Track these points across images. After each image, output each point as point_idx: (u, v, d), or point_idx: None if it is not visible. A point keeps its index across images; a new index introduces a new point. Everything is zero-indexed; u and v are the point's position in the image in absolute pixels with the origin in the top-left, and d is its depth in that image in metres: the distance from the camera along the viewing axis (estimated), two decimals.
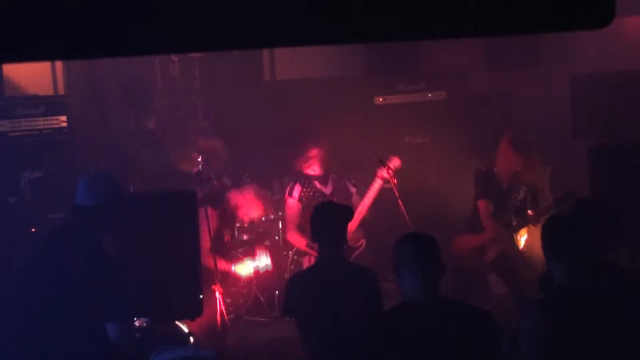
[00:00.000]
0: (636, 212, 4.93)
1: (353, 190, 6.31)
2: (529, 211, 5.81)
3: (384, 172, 6.09)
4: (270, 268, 6.66)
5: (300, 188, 6.15)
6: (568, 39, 6.74)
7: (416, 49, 8.06)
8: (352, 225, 6.20)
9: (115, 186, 3.92)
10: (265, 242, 7.27)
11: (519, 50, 7.82)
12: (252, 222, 7.30)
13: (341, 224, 4.33)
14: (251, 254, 6.68)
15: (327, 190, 6.17)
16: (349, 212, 4.54)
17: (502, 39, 7.43)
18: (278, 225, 7.19)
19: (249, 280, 6.80)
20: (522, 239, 5.93)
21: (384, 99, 7.95)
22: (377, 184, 6.14)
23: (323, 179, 6.18)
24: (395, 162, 6.17)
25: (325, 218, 4.32)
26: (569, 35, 6.17)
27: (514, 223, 5.82)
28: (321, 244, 4.31)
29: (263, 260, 6.59)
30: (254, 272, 6.56)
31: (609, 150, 5.86)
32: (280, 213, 7.21)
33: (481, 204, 6.00)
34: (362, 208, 6.22)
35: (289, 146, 7.14)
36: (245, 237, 7.28)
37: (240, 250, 7.12)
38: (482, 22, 1.83)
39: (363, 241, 6.18)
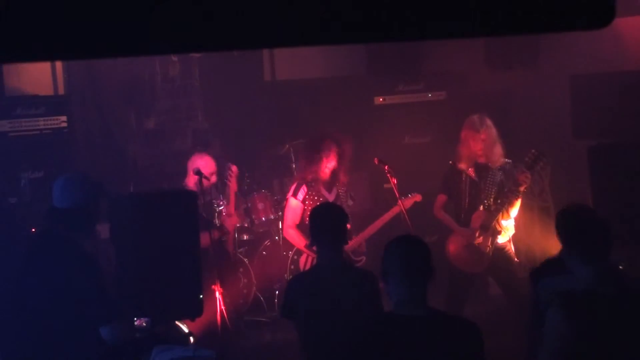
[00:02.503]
0: (636, 212, 4.92)
1: (350, 203, 6.32)
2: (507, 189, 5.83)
3: (406, 203, 6.13)
4: None
5: (306, 190, 6.04)
6: (568, 39, 6.74)
7: (416, 49, 8.07)
8: (357, 240, 6.20)
9: (92, 188, 3.90)
10: (266, 242, 7.29)
11: (518, 50, 7.82)
12: (252, 222, 7.32)
13: (340, 225, 4.31)
14: None
15: (331, 197, 6.12)
16: (346, 214, 4.53)
17: (502, 39, 7.43)
18: (278, 225, 7.19)
19: (249, 281, 6.81)
20: (509, 232, 5.93)
21: (384, 99, 7.96)
22: (395, 210, 6.15)
23: (329, 186, 6.11)
24: (416, 198, 6.32)
25: (324, 220, 4.30)
26: (569, 35, 6.17)
27: (493, 207, 5.83)
28: (320, 246, 4.28)
29: None
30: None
31: (609, 150, 5.86)
32: (280, 213, 7.21)
33: (438, 198, 6.12)
34: (373, 227, 6.22)
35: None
36: (245, 237, 7.30)
37: (241, 250, 7.14)
38: (481, 22, 1.82)
39: (364, 257, 6.17)
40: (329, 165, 5.95)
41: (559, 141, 7.32)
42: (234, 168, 6.25)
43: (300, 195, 6.02)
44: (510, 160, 5.97)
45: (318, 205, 5.11)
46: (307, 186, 6.03)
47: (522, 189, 5.76)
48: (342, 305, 4.02)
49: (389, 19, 1.76)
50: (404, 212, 6.01)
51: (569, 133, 7.24)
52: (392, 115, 7.90)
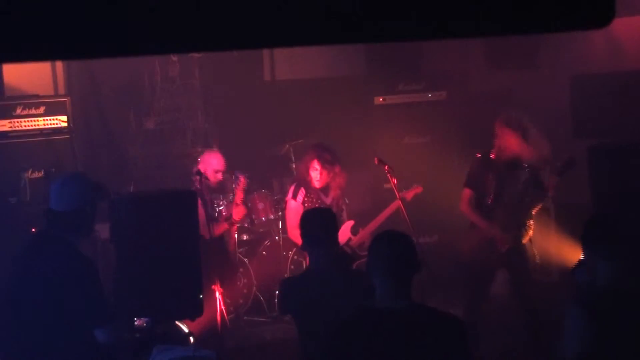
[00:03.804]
0: (636, 212, 4.93)
1: (343, 207, 6.40)
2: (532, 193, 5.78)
3: (406, 194, 6.15)
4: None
5: (304, 192, 6.20)
6: (568, 39, 6.74)
7: (416, 49, 8.07)
8: (362, 236, 6.24)
9: (89, 190, 3.87)
10: (265, 242, 7.29)
11: (519, 50, 7.82)
12: (252, 222, 7.29)
13: (330, 228, 4.31)
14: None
15: (328, 200, 6.23)
16: (335, 216, 4.54)
17: (502, 39, 7.44)
18: (278, 225, 7.20)
19: (249, 281, 6.82)
20: (530, 232, 5.90)
21: (384, 99, 7.96)
22: (397, 203, 6.18)
23: (325, 190, 6.26)
24: (417, 189, 6.43)
25: (314, 224, 4.29)
26: (569, 35, 6.18)
27: (517, 207, 5.77)
28: (312, 248, 4.28)
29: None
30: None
31: (609, 150, 5.86)
32: (280, 213, 7.22)
33: (464, 192, 5.91)
34: (375, 222, 6.34)
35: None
36: (245, 237, 7.29)
37: (241, 250, 7.13)
38: (481, 22, 1.82)
39: None
40: (314, 176, 6.11)
41: (559, 141, 7.31)
42: (243, 179, 6.19)
43: (300, 197, 6.18)
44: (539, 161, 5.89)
45: (308, 210, 5.13)
46: (305, 189, 6.17)
47: (550, 194, 5.72)
48: (335, 307, 4.00)
49: (388, 19, 1.76)
50: (402, 208, 6.03)
51: (569, 133, 7.24)
52: (392, 115, 7.90)
